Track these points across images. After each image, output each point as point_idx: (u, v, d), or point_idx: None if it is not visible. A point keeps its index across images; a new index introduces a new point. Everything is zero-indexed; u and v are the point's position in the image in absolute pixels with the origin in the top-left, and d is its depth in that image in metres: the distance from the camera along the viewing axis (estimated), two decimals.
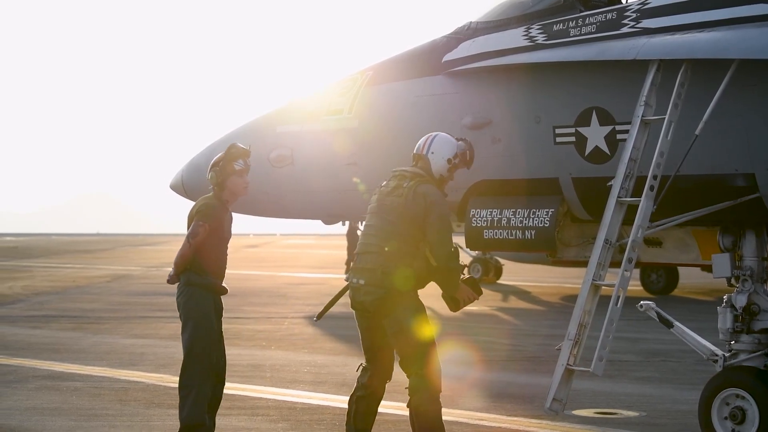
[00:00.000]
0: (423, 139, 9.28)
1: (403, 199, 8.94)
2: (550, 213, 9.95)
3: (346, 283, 9.31)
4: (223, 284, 9.71)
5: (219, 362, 9.63)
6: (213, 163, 9.70)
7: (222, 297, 9.61)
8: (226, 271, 9.73)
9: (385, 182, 9.24)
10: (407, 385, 8.99)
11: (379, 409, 9.21)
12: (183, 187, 12.79)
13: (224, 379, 9.71)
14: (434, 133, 9.31)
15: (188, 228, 9.62)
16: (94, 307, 25.06)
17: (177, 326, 10.04)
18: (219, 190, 9.66)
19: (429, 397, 8.91)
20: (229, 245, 9.76)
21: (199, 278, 9.55)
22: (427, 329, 8.96)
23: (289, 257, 59.29)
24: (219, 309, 9.68)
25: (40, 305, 25.71)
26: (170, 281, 9.70)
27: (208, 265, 9.58)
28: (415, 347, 8.91)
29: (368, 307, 8.97)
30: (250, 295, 28.36)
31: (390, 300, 8.89)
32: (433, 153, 9.17)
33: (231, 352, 16.84)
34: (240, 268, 41.49)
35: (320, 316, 9.88)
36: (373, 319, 9.05)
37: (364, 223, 9.31)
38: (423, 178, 9.07)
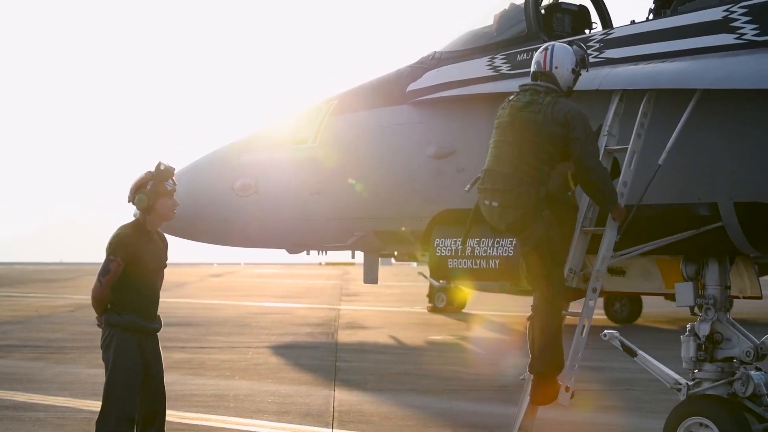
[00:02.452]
0: (539, 54, 9.16)
1: (542, 116, 8.84)
2: (513, 242, 9.94)
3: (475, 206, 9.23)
4: (159, 318, 8.83)
5: (154, 407, 8.79)
6: (138, 185, 8.74)
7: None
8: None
9: (514, 96, 9.11)
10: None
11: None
12: None
13: (160, 426, 8.82)
14: (549, 45, 9.18)
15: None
16: (57, 337, 24.85)
17: None
18: (145, 214, 8.74)
19: (550, 313, 8.99)
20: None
21: (118, 318, 8.64)
22: (561, 250, 8.98)
23: (253, 287, 59.04)
24: (151, 349, 8.76)
25: (3, 335, 25.47)
26: (98, 325, 8.80)
27: (129, 302, 8.66)
28: (543, 267, 8.95)
29: (505, 231, 9.07)
30: (215, 325, 28.15)
31: (527, 219, 8.86)
32: (557, 67, 9.06)
33: (195, 382, 16.84)
34: (204, 298, 41.18)
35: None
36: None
37: (492, 137, 9.11)
38: (558, 92, 8.97)
